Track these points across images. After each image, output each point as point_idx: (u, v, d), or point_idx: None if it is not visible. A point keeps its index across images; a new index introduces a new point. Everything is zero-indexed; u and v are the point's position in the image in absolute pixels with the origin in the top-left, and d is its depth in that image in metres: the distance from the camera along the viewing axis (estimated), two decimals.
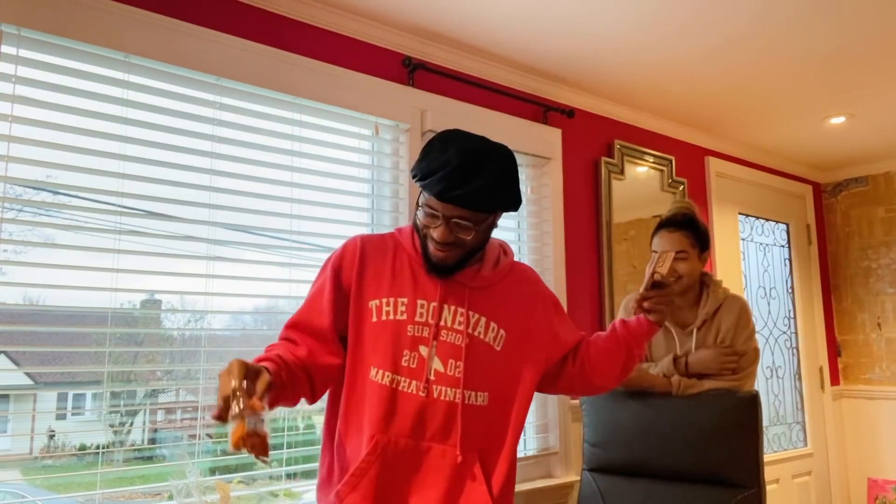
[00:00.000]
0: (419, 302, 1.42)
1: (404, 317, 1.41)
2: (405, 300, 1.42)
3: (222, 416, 1.11)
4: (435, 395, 1.38)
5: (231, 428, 1.10)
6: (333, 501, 1.35)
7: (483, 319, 1.46)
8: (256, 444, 1.10)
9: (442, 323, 1.42)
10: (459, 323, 1.43)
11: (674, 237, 2.01)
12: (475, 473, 1.39)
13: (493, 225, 1.45)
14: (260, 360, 1.30)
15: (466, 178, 1.31)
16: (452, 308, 1.43)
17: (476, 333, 1.44)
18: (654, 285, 1.56)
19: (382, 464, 1.34)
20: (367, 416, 1.37)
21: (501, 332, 1.47)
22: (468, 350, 1.42)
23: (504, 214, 1.49)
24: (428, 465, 1.37)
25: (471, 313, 1.44)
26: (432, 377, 1.38)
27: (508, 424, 1.46)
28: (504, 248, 1.58)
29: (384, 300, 1.42)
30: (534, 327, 1.52)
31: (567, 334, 1.59)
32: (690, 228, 2.02)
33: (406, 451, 1.36)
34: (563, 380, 1.60)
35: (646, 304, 1.55)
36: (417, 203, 1.42)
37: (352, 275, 1.44)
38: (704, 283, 2.06)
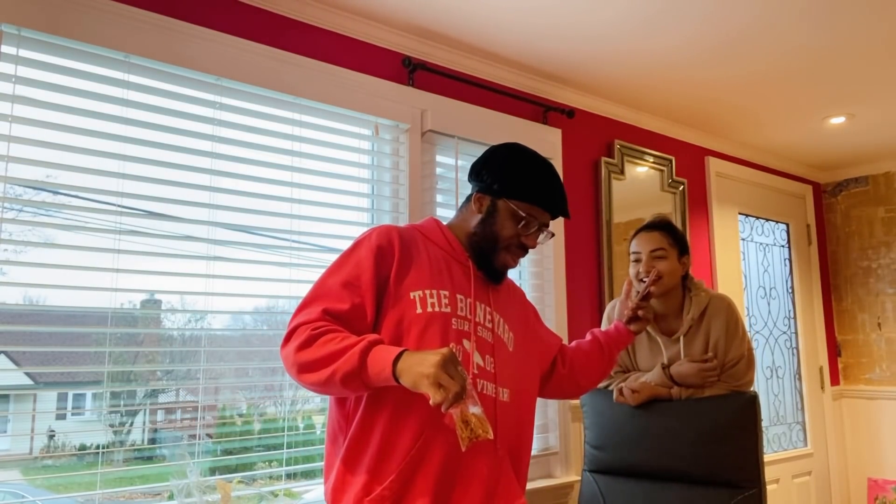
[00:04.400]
0: (458, 296, 1.41)
1: (448, 309, 1.38)
2: (447, 293, 1.39)
3: (459, 397, 1.15)
4: (479, 389, 1.36)
5: (480, 413, 1.19)
6: (381, 493, 1.28)
7: (501, 319, 1.49)
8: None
9: (476, 319, 1.42)
10: (488, 321, 1.45)
11: (651, 236, 2.02)
12: (508, 469, 1.40)
13: None
14: (378, 341, 1.25)
15: (563, 191, 1.50)
16: (482, 305, 1.45)
17: (499, 332, 1.47)
18: (644, 297, 1.77)
19: (432, 454, 1.30)
20: (412, 408, 1.31)
21: (510, 333, 1.50)
22: (496, 347, 1.44)
23: None
24: (470, 458, 1.33)
25: (494, 312, 1.47)
26: (475, 371, 1.37)
27: (526, 423, 1.49)
28: None
29: (427, 291, 1.37)
30: (528, 332, 1.58)
31: (551, 338, 1.70)
32: (667, 230, 2.03)
33: (452, 443, 1.31)
34: (554, 381, 1.68)
35: (640, 313, 1.75)
36: (490, 213, 1.45)
37: (392, 263, 1.37)
38: (687, 287, 2.04)
